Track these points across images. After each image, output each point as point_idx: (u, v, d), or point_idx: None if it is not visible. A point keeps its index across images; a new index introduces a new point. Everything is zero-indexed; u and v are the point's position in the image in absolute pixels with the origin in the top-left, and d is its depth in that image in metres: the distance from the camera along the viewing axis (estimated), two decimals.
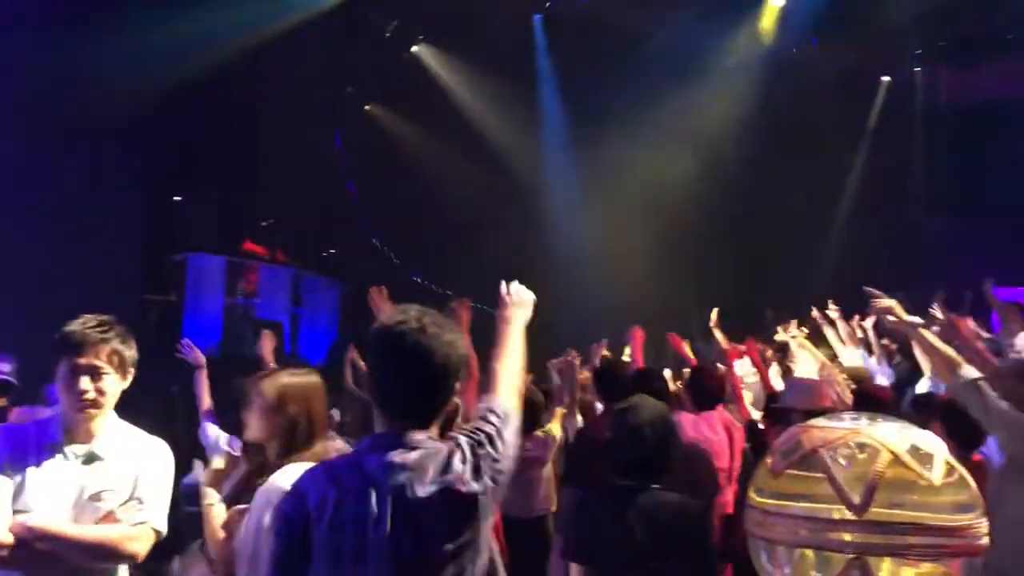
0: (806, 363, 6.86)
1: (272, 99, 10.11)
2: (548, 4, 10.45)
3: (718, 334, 7.61)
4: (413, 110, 10.92)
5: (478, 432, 2.05)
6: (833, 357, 7.02)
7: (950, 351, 3.37)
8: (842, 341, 7.43)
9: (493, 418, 2.08)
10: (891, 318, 3.48)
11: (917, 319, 3.47)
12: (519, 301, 2.34)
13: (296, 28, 9.46)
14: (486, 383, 2.23)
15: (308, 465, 2.28)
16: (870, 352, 7.53)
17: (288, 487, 2.07)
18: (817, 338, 7.52)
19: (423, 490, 1.93)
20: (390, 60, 10.48)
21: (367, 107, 11.09)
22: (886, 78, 13.13)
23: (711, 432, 4.49)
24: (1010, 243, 13.59)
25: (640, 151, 10.84)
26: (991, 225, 13.31)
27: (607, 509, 2.78)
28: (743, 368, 6.46)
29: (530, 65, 10.94)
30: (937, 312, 4.59)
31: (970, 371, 3.25)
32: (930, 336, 3.39)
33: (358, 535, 1.91)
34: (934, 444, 2.10)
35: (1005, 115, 13.66)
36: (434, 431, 2.05)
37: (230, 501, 2.74)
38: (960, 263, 11.84)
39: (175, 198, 11.10)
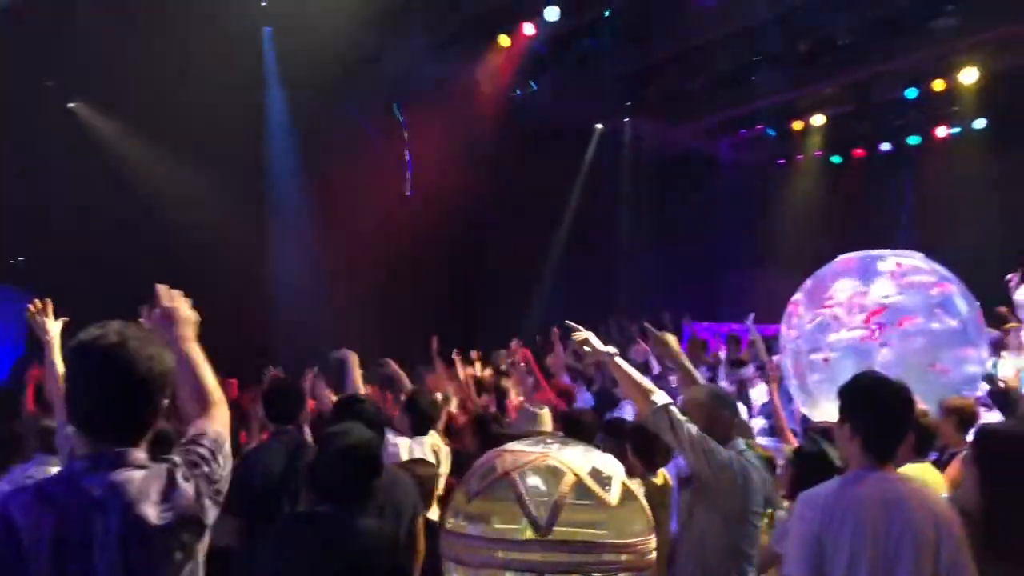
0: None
1: None
2: (278, 18, 10.09)
3: (439, 361, 7.81)
4: (125, 113, 10.12)
5: (192, 453, 2.00)
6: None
7: (642, 380, 3.63)
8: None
9: (205, 440, 2.04)
10: (587, 349, 3.70)
11: (612, 349, 3.71)
12: (174, 310, 2.23)
13: None
14: (188, 406, 2.15)
15: None
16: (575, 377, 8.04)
17: None
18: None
19: (151, 511, 1.87)
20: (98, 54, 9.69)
21: (71, 105, 10.12)
22: (599, 125, 14.14)
23: (423, 456, 4.53)
24: (702, 279, 15.16)
25: (363, 176, 10.83)
26: (687, 262, 14.76)
27: (305, 535, 2.71)
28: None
29: (258, 77, 10.56)
30: (652, 328, 4.95)
31: (661, 397, 3.52)
32: (624, 365, 3.64)
33: (83, 560, 1.82)
34: (613, 467, 2.26)
35: (697, 167, 15.28)
36: (143, 450, 1.97)
37: None
38: (662, 295, 12.97)
39: None
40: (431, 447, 4.80)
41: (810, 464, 3.64)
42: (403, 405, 5.00)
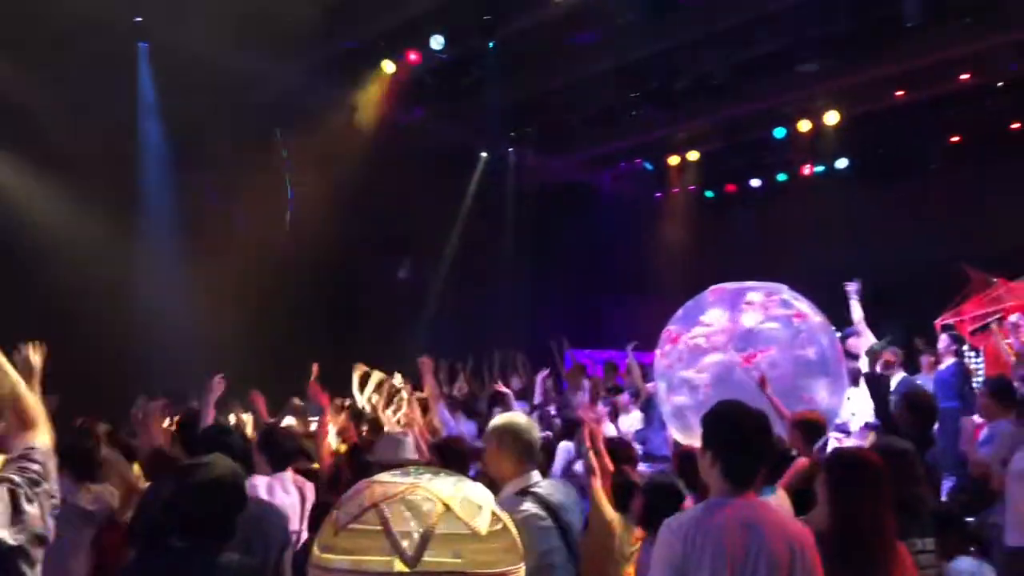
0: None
1: None
2: (154, 33, 9.76)
3: (315, 391, 7.68)
4: None
5: (28, 471, 2.01)
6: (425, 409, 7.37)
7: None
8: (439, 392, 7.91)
9: (37, 455, 2.05)
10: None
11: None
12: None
13: None
14: (13, 423, 2.15)
15: None
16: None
17: None
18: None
19: (4, 533, 1.91)
20: None
21: None
22: (484, 154, 14.29)
23: (284, 494, 4.41)
24: (583, 307, 15.47)
25: (241, 203, 10.58)
26: (568, 290, 15.03)
27: (162, 572, 2.61)
28: None
29: (132, 97, 10.16)
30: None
31: None
32: None
33: None
34: (483, 496, 2.27)
35: (579, 197, 15.63)
36: None
37: None
38: (543, 323, 13.15)
39: None
40: (294, 483, 4.65)
41: (659, 494, 3.77)
42: (257, 443, 4.79)
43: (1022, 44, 10.01)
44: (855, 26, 9.59)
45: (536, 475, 3.35)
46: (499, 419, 3.54)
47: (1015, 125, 12.23)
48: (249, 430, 6.88)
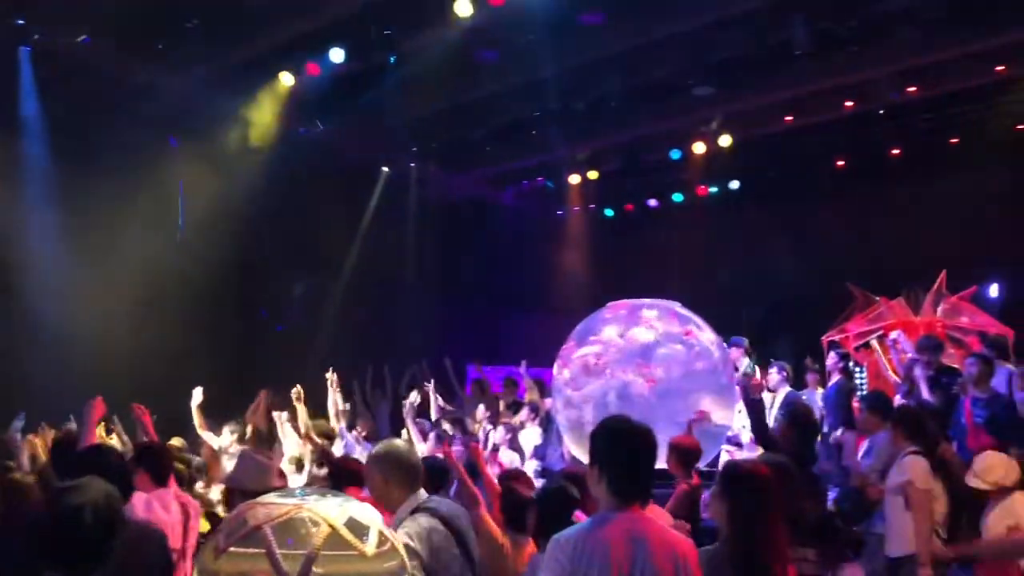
0: (290, 437, 6.99)
1: None
2: (37, 36, 9.33)
3: (196, 414, 7.50)
4: None
5: None
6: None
7: None
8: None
9: None
10: None
11: None
12: None
13: None
14: None
15: None
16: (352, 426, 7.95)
17: None
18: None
19: None
20: None
21: None
22: (385, 169, 14.18)
23: (164, 511, 4.24)
24: (485, 323, 15.50)
25: (130, 214, 10.20)
26: (470, 306, 15.03)
27: None
28: None
29: (13, 103, 9.66)
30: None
31: None
32: None
33: None
34: (370, 516, 2.24)
35: (481, 213, 15.69)
36: None
37: None
38: (445, 340, 13.10)
39: None
40: (177, 499, 4.45)
41: (551, 503, 3.79)
42: (133, 459, 4.58)
43: (902, 74, 10.53)
44: (748, 53, 9.91)
45: (423, 493, 3.43)
46: (378, 448, 3.56)
47: (895, 151, 12.85)
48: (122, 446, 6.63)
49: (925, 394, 7.10)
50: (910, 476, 5.09)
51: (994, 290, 12.02)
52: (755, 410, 6.56)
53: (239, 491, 3.97)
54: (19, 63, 9.49)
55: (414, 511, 3.32)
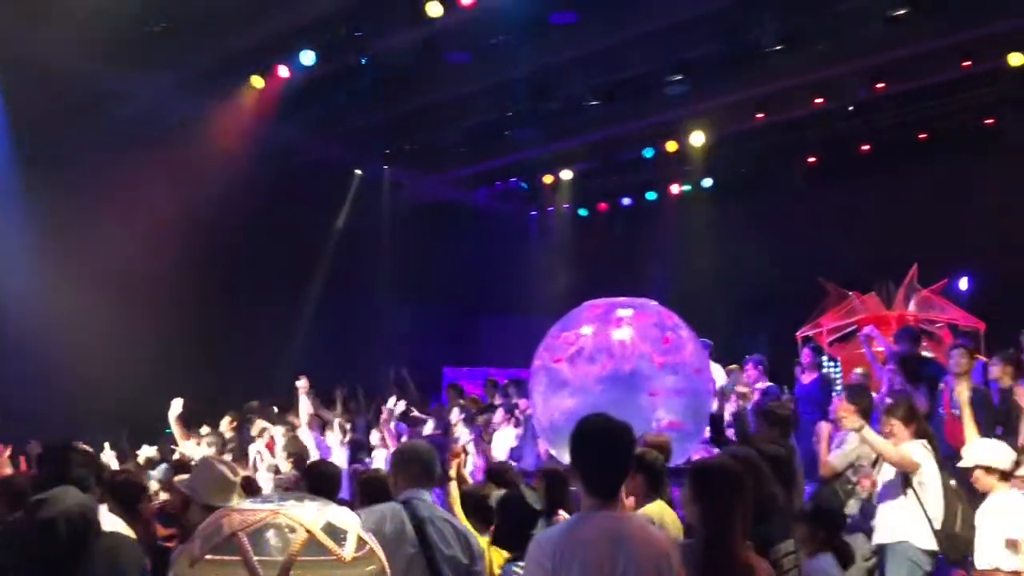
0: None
1: None
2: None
3: (175, 425, 7.44)
4: None
5: None
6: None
7: None
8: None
9: None
10: None
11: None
12: None
13: None
14: None
15: None
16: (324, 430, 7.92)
17: None
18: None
19: None
20: None
21: None
22: (359, 171, 14.11)
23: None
24: (460, 325, 15.47)
25: (100, 218, 10.08)
26: (445, 308, 14.99)
27: None
28: None
29: None
30: None
31: None
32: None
33: None
34: (348, 520, 2.21)
35: (456, 215, 15.66)
36: None
37: None
38: (420, 341, 13.07)
39: None
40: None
41: (510, 509, 3.78)
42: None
43: (869, 70, 10.63)
44: (719, 51, 9.96)
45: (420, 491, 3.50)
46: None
47: (865, 147, 12.97)
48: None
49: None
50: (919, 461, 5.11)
51: (964, 283, 12.15)
52: (738, 423, 6.59)
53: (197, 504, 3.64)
54: None
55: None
